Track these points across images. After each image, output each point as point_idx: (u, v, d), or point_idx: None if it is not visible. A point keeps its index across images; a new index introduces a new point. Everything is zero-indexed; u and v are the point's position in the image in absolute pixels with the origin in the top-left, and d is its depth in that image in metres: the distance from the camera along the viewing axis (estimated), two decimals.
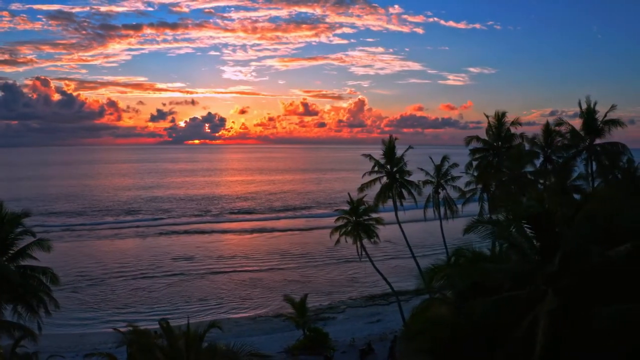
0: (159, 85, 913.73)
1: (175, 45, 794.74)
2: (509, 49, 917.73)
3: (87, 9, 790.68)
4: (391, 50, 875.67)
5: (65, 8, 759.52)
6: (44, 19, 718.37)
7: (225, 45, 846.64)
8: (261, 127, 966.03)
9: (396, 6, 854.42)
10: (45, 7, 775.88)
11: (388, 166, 38.77)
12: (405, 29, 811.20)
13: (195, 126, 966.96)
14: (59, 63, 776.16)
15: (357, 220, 36.72)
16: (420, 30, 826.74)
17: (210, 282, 52.54)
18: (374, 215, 37.25)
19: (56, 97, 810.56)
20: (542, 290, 13.25)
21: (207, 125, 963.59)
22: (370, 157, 39.03)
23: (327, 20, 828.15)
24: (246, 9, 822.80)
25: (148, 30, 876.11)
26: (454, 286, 15.79)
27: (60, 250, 53.70)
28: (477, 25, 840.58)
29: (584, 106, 36.36)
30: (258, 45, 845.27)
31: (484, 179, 37.85)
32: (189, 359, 16.47)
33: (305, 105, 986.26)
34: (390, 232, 46.58)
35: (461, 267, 15.96)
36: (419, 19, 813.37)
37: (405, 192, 38.82)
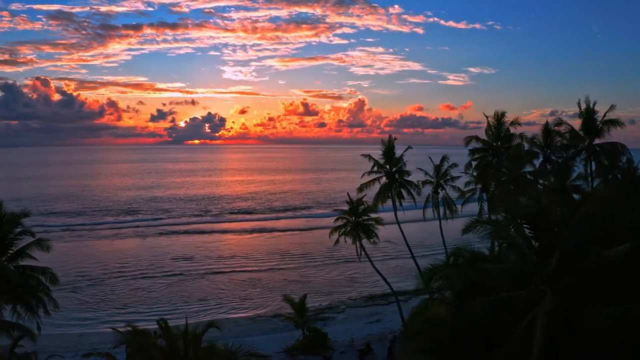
0: (159, 85, 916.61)
1: (175, 45, 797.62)
2: (509, 49, 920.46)
3: (87, 9, 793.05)
4: (391, 50, 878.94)
5: (65, 8, 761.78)
6: (44, 19, 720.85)
7: (225, 45, 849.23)
8: (261, 127, 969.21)
9: (396, 6, 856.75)
10: (45, 7, 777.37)
11: (387, 166, 38.81)
12: (405, 29, 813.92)
13: (195, 126, 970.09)
14: (59, 63, 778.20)
15: (356, 221, 36.76)
16: (420, 30, 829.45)
17: (210, 282, 52.53)
18: (373, 215, 37.31)
19: (56, 97, 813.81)
20: (540, 290, 13.21)
21: (207, 125, 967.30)
22: (369, 157, 39.06)
23: (327, 20, 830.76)
24: (246, 9, 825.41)
25: (148, 30, 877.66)
26: (453, 286, 15.74)
27: (60, 250, 53.82)
28: (477, 25, 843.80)
29: (584, 106, 36.47)
30: (258, 45, 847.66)
31: (484, 179, 37.83)
32: (187, 359, 16.48)
33: (305, 105, 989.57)
34: (389, 232, 46.51)
35: (460, 267, 15.92)
36: (419, 19, 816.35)
37: (404, 192, 38.87)
